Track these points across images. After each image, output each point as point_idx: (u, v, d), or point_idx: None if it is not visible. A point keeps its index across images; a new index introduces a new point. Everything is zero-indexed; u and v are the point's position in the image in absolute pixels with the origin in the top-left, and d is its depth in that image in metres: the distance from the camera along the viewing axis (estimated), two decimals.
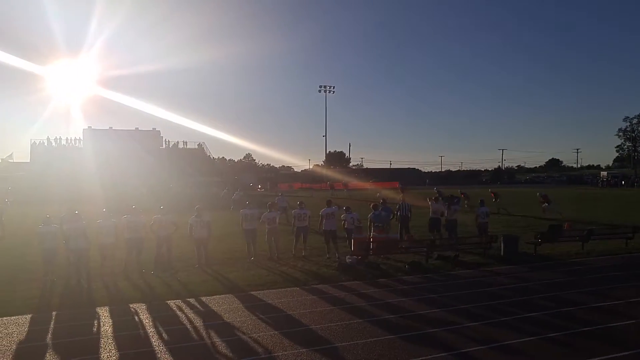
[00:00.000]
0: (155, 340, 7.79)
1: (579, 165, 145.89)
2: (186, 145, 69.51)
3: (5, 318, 8.94)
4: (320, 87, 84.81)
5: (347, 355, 7.02)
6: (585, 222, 21.61)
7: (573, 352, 7.09)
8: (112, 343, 7.68)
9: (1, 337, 8.00)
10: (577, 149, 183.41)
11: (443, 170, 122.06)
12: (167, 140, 69.66)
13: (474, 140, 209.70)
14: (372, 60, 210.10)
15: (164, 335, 8.07)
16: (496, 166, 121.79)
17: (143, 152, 55.18)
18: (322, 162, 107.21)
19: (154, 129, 69.60)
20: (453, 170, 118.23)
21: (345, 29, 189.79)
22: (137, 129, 68.13)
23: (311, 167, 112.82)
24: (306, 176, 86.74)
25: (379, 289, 10.82)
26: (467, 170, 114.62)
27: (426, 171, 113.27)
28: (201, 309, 9.55)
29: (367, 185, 61.41)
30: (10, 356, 7.20)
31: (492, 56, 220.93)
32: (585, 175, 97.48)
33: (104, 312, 9.39)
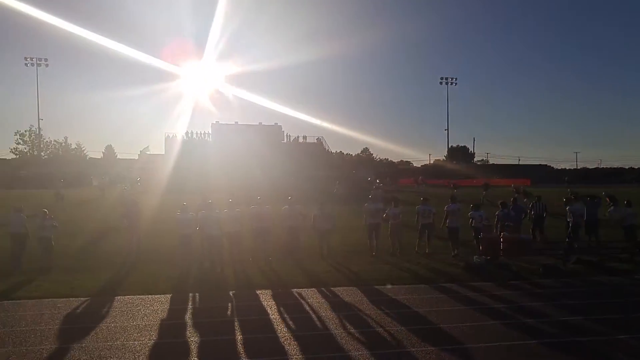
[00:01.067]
0: (280, 327, 8.20)
1: None
2: (305, 139, 71.73)
3: (150, 296, 9.99)
4: (442, 79, 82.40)
5: (480, 358, 6.79)
6: None
7: None
8: (242, 326, 8.23)
9: (147, 313, 8.95)
10: None
11: (579, 167, 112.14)
12: (287, 134, 72.60)
13: (614, 135, 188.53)
14: (499, 50, 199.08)
15: (289, 322, 8.45)
16: None
17: (266, 146, 57.95)
18: (444, 157, 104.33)
19: (276, 123, 72.84)
20: (590, 167, 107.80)
21: (469, 19, 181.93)
22: (260, 123, 71.84)
23: (432, 161, 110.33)
24: (426, 171, 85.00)
25: (512, 292, 10.28)
26: (607, 168, 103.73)
27: (559, 168, 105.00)
28: (325, 299, 9.84)
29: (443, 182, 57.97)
30: (156, 331, 8.03)
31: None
32: None
33: (233, 296, 10.11)
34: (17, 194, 34.51)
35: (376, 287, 10.69)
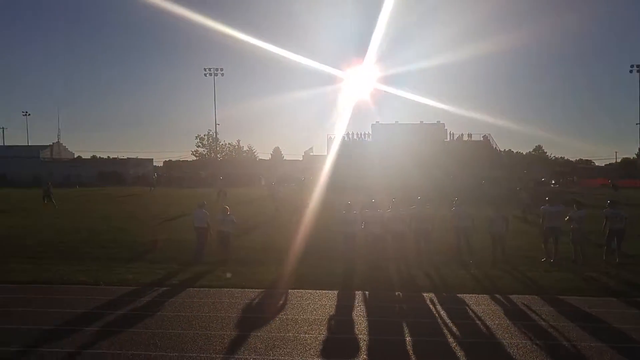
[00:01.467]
0: (450, 332, 7.91)
1: None
2: (471, 137, 68.96)
3: (318, 291, 10.35)
4: (632, 66, 73.23)
5: None
6: None
7: None
8: (411, 328, 8.09)
9: (316, 307, 9.28)
10: None
11: None
12: (451, 132, 70.53)
13: None
14: None
15: (460, 328, 8.10)
16: None
17: (427, 145, 57.02)
18: (635, 155, 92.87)
19: (439, 122, 71.25)
20: None
21: None
22: (421, 122, 70.93)
23: (619, 159, 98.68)
24: (613, 171, 76.18)
25: None
26: None
27: None
28: (498, 306, 9.24)
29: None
30: (325, 326, 8.27)
31: None
32: None
33: (399, 297, 10.03)
34: (196, 193, 38.56)
35: (559, 296, 9.75)
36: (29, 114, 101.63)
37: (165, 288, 10.70)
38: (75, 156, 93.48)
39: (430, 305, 9.41)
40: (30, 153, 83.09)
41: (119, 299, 9.82)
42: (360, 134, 69.52)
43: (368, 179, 39.55)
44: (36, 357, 6.87)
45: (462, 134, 69.82)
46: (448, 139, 68.71)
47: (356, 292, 10.33)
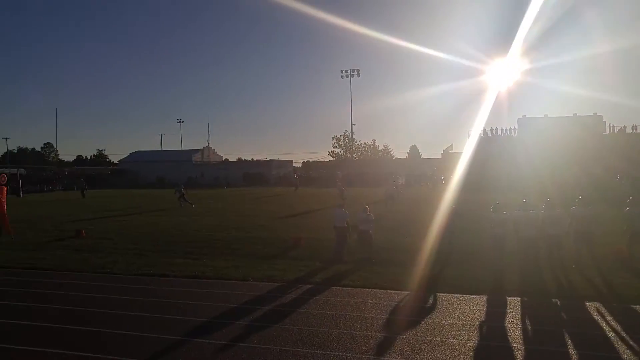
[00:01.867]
0: (620, 347, 7.07)
1: None
2: (636, 129, 61.88)
3: (465, 295, 9.91)
4: None
5: None
6: None
7: None
8: (573, 340, 7.37)
9: (464, 312, 8.89)
10: None
11: None
12: (610, 125, 63.91)
13: None
14: None
15: (632, 342, 7.22)
16: None
17: (582, 140, 52.24)
18: None
19: (595, 114, 65.03)
20: None
21: None
22: (575, 115, 65.26)
23: None
24: None
25: None
26: None
27: None
28: None
29: None
30: (474, 332, 7.88)
31: None
32: None
33: (557, 305, 9.24)
34: (333, 192, 39.40)
35: None
36: (183, 121, 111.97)
37: (309, 285, 11.03)
38: (223, 159, 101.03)
39: (596, 316, 8.51)
40: (184, 157, 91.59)
41: (266, 295, 10.32)
42: (505, 129, 65.91)
43: (514, 177, 37.31)
44: (193, 347, 7.44)
45: (625, 127, 62.85)
46: (607, 132, 62.35)
47: (508, 297, 9.71)
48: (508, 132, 65.36)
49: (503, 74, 73.57)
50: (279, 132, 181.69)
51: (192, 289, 11.00)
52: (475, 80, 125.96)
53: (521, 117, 66.98)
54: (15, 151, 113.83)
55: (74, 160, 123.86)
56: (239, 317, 8.83)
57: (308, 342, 7.52)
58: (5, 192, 18.64)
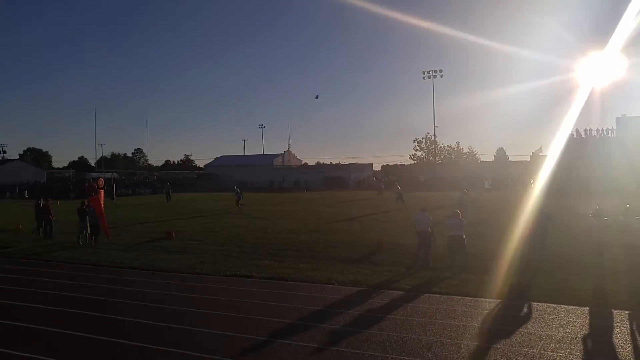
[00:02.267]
0: None
1: None
2: None
3: (562, 306, 9.36)
4: None
5: None
6: None
7: None
8: None
9: (562, 324, 8.39)
10: None
11: None
12: None
13: None
14: None
15: None
16: None
17: None
18: None
19: None
20: None
21: None
22: None
23: None
24: None
25: None
26: None
27: None
28: None
29: None
30: (577, 345, 7.41)
31: None
32: None
33: None
34: (416, 196, 38.70)
35: None
36: (264, 127, 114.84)
37: (393, 291, 10.88)
38: (302, 163, 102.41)
39: None
40: (265, 161, 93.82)
41: (351, 299, 10.29)
42: (602, 130, 61.92)
43: (611, 180, 34.96)
44: (280, 348, 7.54)
45: None
46: None
47: (614, 310, 9.06)
48: (605, 132, 61.38)
49: (598, 70, 69.22)
50: (357, 135, 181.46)
51: (278, 290, 11.20)
52: (565, 78, 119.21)
53: (620, 116, 62.73)
54: (109, 157, 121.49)
55: (162, 164, 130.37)
56: (324, 320, 8.86)
57: (397, 348, 7.39)
58: (103, 195, 19.89)
